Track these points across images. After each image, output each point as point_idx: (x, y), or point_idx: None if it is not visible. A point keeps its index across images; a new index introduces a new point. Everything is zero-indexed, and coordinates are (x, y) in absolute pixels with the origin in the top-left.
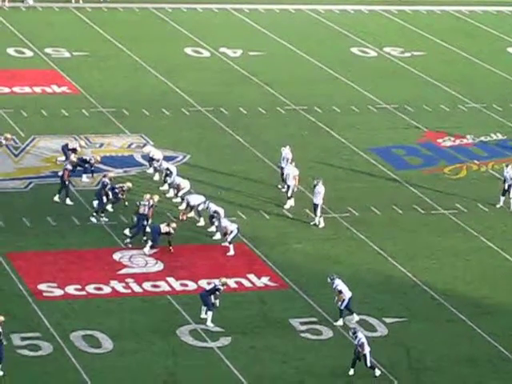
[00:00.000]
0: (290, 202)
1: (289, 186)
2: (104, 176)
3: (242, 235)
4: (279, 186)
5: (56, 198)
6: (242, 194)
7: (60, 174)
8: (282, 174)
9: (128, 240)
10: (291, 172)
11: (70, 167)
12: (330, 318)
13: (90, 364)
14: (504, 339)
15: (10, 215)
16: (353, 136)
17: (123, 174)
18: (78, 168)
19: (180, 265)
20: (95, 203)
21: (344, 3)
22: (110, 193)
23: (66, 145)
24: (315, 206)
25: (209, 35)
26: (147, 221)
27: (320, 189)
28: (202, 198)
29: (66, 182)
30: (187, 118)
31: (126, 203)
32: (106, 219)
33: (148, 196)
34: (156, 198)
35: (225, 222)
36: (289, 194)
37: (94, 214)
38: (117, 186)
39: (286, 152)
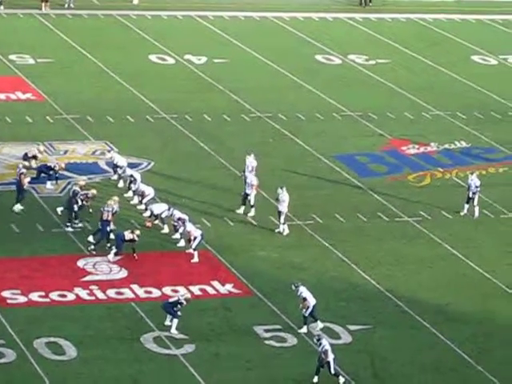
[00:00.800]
0: (245, 209)
1: (247, 195)
2: (75, 184)
3: (206, 242)
4: (243, 194)
5: (19, 207)
6: (206, 201)
7: (17, 178)
8: (246, 182)
9: (92, 247)
10: (250, 181)
11: (24, 171)
12: (294, 325)
13: (54, 371)
14: (467, 346)
15: None
16: (317, 143)
17: (88, 181)
18: (43, 175)
19: (144, 272)
20: (59, 210)
21: (308, 11)
22: (78, 200)
23: (26, 154)
24: (279, 214)
25: (173, 42)
26: (109, 226)
27: (284, 197)
28: (165, 206)
29: (24, 187)
30: (151, 125)
31: (91, 210)
32: (71, 229)
33: (111, 202)
34: (115, 199)
35: (189, 227)
36: (252, 203)
37: (68, 223)
38: (81, 192)
39: (251, 160)
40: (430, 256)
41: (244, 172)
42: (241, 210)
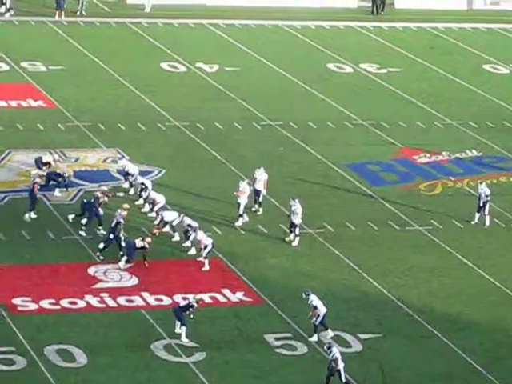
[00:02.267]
0: (244, 219)
1: (239, 204)
2: (97, 190)
3: (217, 250)
4: (253, 209)
5: (32, 215)
6: (217, 209)
7: (30, 186)
8: (257, 195)
9: (98, 253)
10: (242, 188)
11: (38, 180)
12: (304, 333)
13: (64, 378)
14: (478, 355)
15: None
16: (328, 152)
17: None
18: (52, 182)
19: (155, 280)
20: (70, 217)
21: (320, 19)
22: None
23: (40, 158)
24: (293, 225)
25: (185, 50)
26: (114, 233)
27: (298, 209)
28: (176, 214)
29: (37, 196)
30: (163, 133)
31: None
32: (84, 234)
33: (119, 210)
34: (126, 207)
35: (200, 235)
36: (240, 212)
37: (100, 226)
38: (92, 199)
39: (261, 173)
40: (441, 265)
41: (252, 184)
42: (239, 223)
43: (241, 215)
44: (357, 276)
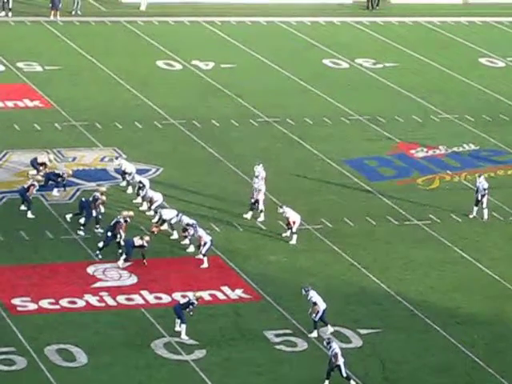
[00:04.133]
0: (248, 215)
1: (257, 201)
2: (96, 190)
3: (215, 248)
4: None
5: (30, 215)
6: (215, 206)
7: (25, 186)
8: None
9: (97, 252)
10: (258, 186)
11: (36, 184)
12: (304, 329)
13: (65, 378)
14: (478, 349)
15: None
16: (326, 148)
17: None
18: (50, 182)
19: (154, 278)
20: (68, 217)
21: (316, 15)
22: (100, 206)
23: (35, 159)
24: (292, 222)
25: (181, 48)
26: (112, 232)
27: (288, 214)
28: (174, 212)
29: (30, 197)
30: (160, 131)
31: (100, 216)
32: (83, 233)
33: (125, 213)
34: (131, 214)
35: (200, 232)
36: (261, 207)
37: (82, 227)
38: (90, 199)
39: (259, 170)
40: (440, 259)
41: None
42: (248, 215)
43: (262, 210)
44: (356, 271)
